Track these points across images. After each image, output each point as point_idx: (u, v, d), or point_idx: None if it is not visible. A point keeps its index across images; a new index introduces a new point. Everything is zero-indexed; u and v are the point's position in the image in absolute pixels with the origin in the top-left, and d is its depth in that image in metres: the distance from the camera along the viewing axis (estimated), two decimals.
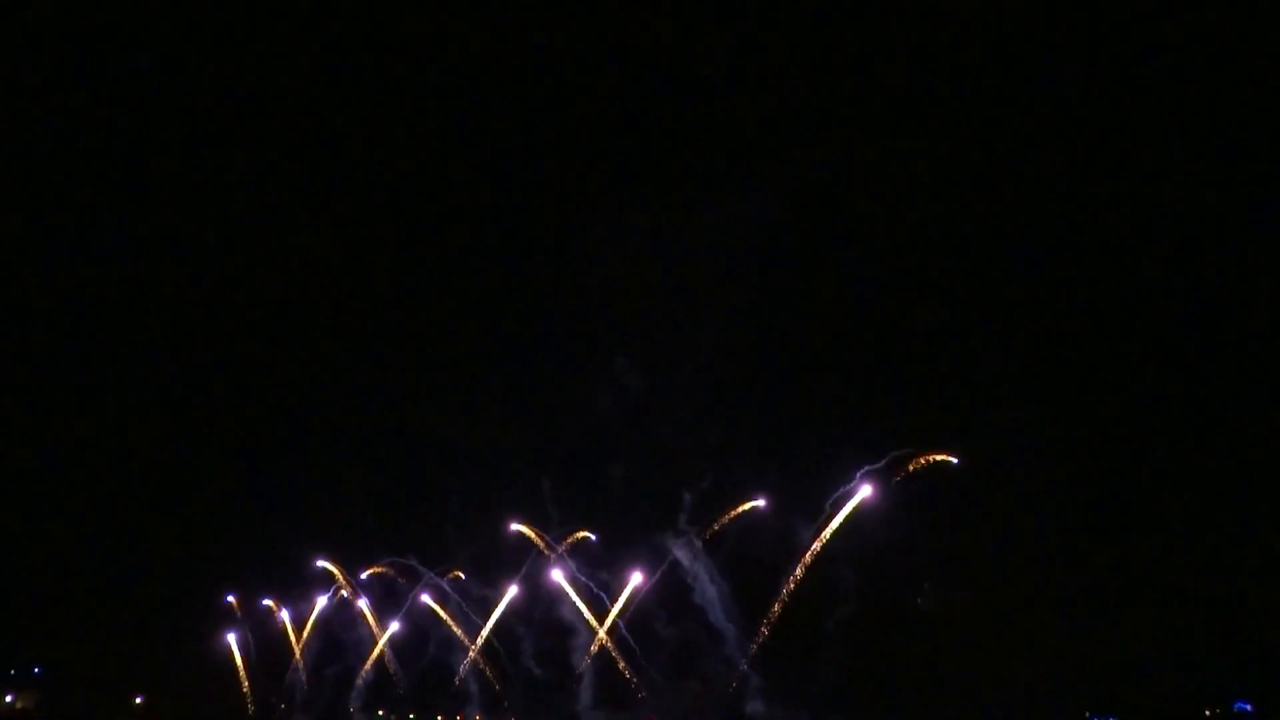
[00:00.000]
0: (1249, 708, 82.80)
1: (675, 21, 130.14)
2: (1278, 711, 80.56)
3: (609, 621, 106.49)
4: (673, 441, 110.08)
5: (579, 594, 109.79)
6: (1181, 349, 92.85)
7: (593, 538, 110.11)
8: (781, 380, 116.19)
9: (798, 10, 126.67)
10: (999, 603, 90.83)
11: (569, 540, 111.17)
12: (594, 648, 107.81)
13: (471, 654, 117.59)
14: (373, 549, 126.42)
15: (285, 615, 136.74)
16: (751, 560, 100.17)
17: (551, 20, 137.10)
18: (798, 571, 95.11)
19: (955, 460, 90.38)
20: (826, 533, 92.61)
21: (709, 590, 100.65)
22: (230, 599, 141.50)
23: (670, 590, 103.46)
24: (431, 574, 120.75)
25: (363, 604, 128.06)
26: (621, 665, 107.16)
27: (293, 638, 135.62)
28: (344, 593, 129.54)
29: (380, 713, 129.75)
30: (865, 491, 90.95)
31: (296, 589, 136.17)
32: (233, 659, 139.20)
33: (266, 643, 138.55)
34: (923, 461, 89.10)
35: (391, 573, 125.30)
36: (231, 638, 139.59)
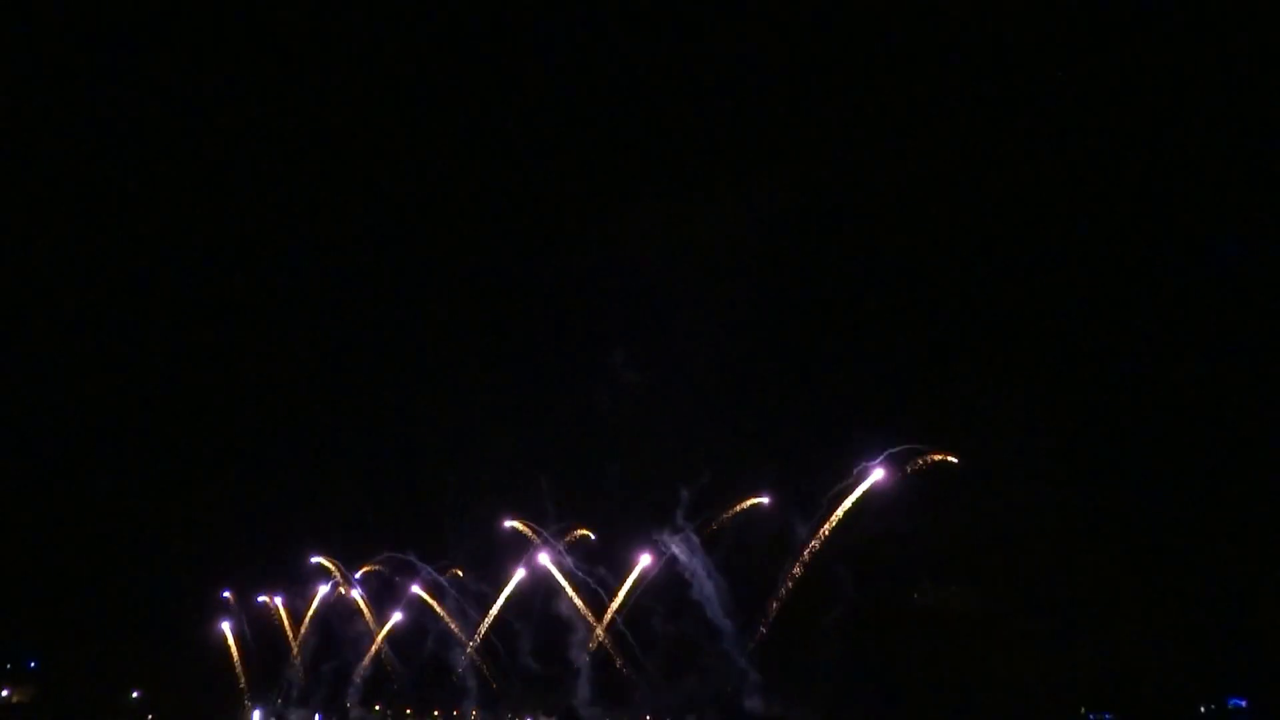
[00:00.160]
0: (1243, 704, 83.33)
1: (676, 19, 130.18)
2: (1272, 707, 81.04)
3: (608, 616, 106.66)
4: (670, 438, 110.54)
5: (576, 589, 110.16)
6: (1176, 348, 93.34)
7: (592, 536, 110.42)
8: (779, 377, 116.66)
9: (799, 7, 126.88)
10: (996, 599, 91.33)
11: (569, 538, 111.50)
12: (592, 645, 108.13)
13: (469, 650, 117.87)
14: (370, 545, 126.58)
15: (280, 603, 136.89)
16: (749, 557, 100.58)
17: (550, 19, 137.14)
18: (796, 569, 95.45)
19: (953, 458, 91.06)
20: (825, 529, 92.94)
21: (707, 586, 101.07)
22: (226, 594, 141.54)
23: (668, 586, 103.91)
24: (430, 569, 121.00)
25: (357, 594, 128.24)
26: (619, 664, 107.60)
27: (290, 633, 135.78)
28: (342, 589, 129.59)
29: (377, 708, 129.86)
30: (864, 487, 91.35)
31: (294, 585, 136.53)
32: (229, 652, 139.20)
33: (264, 638, 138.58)
34: (920, 462, 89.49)
35: (387, 570, 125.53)
36: (226, 626, 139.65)
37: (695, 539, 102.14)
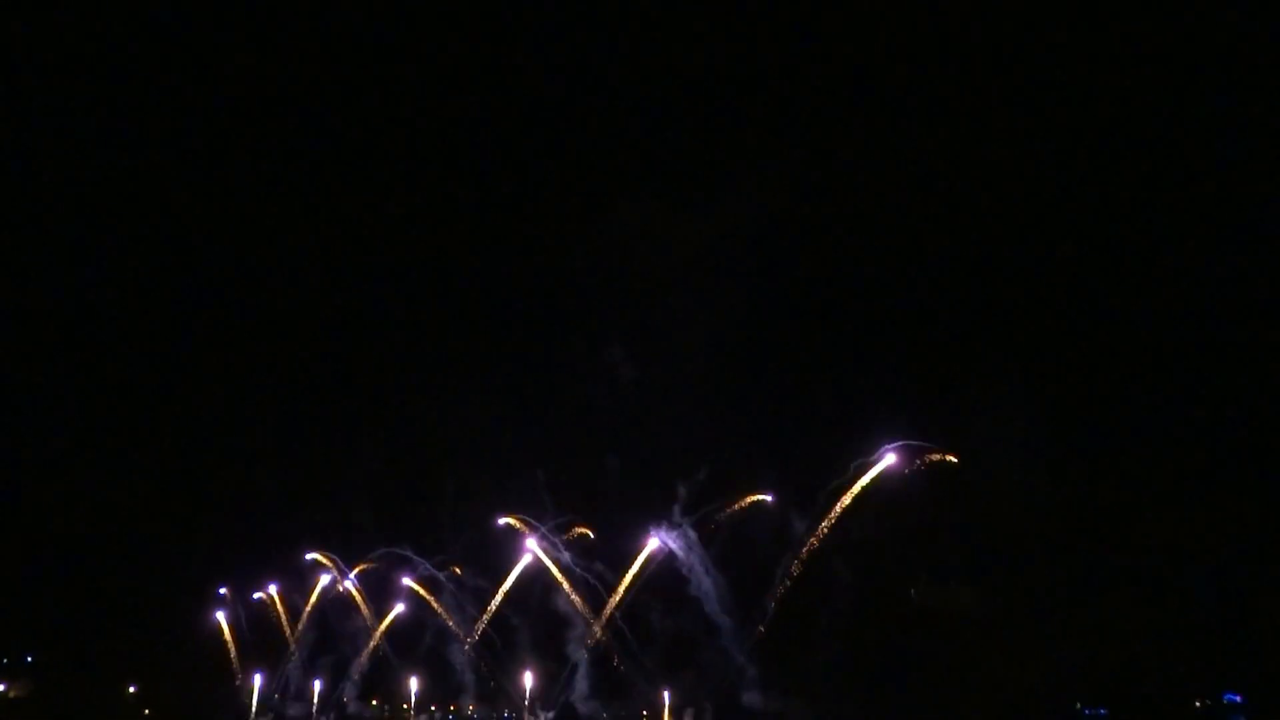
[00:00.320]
0: (1238, 699, 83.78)
1: (676, 14, 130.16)
2: (1267, 702, 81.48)
3: (615, 601, 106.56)
4: (668, 434, 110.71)
5: (574, 586, 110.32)
6: (1172, 345, 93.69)
7: (590, 535, 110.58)
8: (776, 374, 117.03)
9: (799, 4, 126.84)
10: (993, 596, 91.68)
11: (568, 535, 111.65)
12: (590, 641, 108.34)
13: (467, 645, 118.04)
14: (368, 542, 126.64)
15: (275, 591, 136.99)
16: (747, 552, 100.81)
17: (549, 16, 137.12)
18: (794, 565, 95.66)
19: (950, 455, 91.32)
20: (824, 525, 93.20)
21: (705, 583, 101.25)
22: (223, 591, 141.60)
23: (667, 582, 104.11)
24: (427, 564, 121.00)
25: (349, 584, 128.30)
26: (616, 662, 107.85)
27: (287, 627, 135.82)
28: (340, 587, 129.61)
29: (374, 702, 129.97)
30: (874, 473, 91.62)
31: (291, 581, 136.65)
32: (225, 647, 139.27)
33: (261, 634, 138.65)
34: (919, 462, 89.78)
35: (384, 566, 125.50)
36: (222, 618, 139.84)
37: (693, 534, 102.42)
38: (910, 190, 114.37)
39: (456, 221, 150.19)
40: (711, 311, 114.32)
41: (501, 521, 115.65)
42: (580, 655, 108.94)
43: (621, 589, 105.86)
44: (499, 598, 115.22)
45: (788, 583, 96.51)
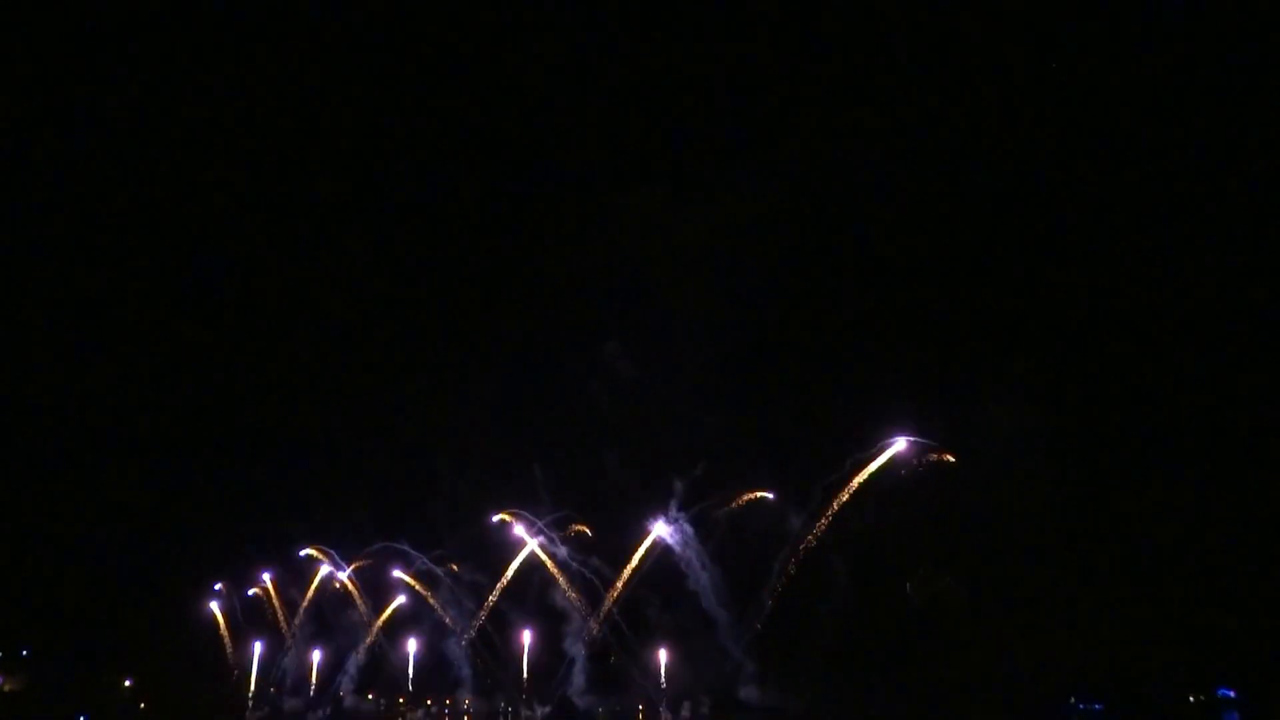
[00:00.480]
0: (1232, 694, 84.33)
1: (674, 8, 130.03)
2: (1260, 697, 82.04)
3: (618, 588, 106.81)
4: (665, 430, 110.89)
5: (571, 581, 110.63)
6: (1167, 342, 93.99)
7: (589, 533, 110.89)
8: (773, 369, 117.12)
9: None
10: (989, 591, 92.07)
11: (567, 532, 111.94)
12: (587, 636, 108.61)
13: (464, 639, 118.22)
14: (364, 537, 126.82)
15: (269, 579, 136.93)
16: (744, 547, 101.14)
17: (546, 10, 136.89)
18: (792, 560, 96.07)
19: (947, 451, 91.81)
20: (824, 520, 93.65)
21: (702, 577, 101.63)
22: (219, 587, 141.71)
23: (664, 577, 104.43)
24: (424, 558, 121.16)
25: (344, 576, 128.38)
26: (612, 659, 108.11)
27: (283, 621, 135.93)
28: (337, 583, 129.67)
29: (370, 696, 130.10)
30: (883, 460, 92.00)
31: (286, 576, 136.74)
32: (221, 641, 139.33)
33: (257, 628, 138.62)
34: (917, 463, 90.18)
35: (380, 560, 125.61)
36: (217, 610, 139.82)
37: (690, 530, 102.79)
38: (908, 186, 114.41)
39: (453, 216, 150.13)
40: (709, 307, 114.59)
41: (496, 518, 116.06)
42: (577, 649, 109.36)
43: (623, 579, 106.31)
44: (496, 593, 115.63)
45: (785, 578, 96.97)
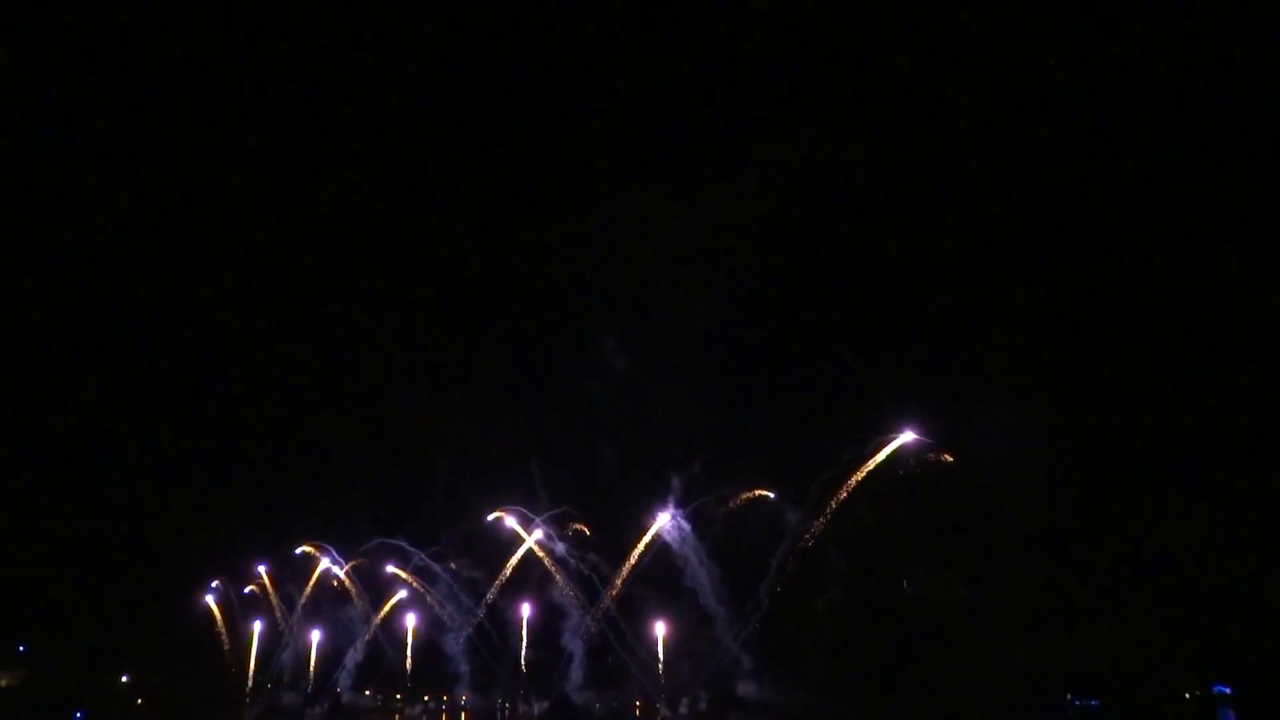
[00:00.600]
0: (1227, 690, 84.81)
1: (673, 7, 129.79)
2: (1256, 694, 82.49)
3: (622, 576, 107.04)
4: (662, 426, 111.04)
5: (569, 576, 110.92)
6: (1166, 342, 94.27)
7: (587, 531, 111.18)
8: (770, 364, 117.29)
9: None
10: (985, 587, 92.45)
11: (566, 530, 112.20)
12: (585, 632, 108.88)
13: (462, 636, 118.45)
14: (361, 534, 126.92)
15: (264, 572, 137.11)
16: (742, 544, 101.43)
17: (542, 8, 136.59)
18: (790, 556, 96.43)
19: (943, 447, 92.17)
20: (823, 516, 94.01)
21: (699, 573, 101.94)
22: (216, 584, 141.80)
23: (661, 573, 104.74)
24: (421, 554, 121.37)
25: (342, 572, 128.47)
26: (609, 658, 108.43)
27: (279, 613, 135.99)
28: (335, 582, 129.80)
29: (368, 692, 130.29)
30: (892, 448, 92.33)
31: (283, 572, 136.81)
32: (218, 638, 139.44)
33: (253, 621, 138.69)
34: (915, 465, 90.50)
35: (376, 558, 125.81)
36: (214, 607, 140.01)
37: (688, 526, 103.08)
38: (908, 182, 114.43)
39: (449, 212, 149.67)
40: (706, 302, 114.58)
41: (492, 517, 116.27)
42: (575, 645, 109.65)
43: (622, 576, 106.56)
44: (495, 589, 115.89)
45: (783, 575, 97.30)
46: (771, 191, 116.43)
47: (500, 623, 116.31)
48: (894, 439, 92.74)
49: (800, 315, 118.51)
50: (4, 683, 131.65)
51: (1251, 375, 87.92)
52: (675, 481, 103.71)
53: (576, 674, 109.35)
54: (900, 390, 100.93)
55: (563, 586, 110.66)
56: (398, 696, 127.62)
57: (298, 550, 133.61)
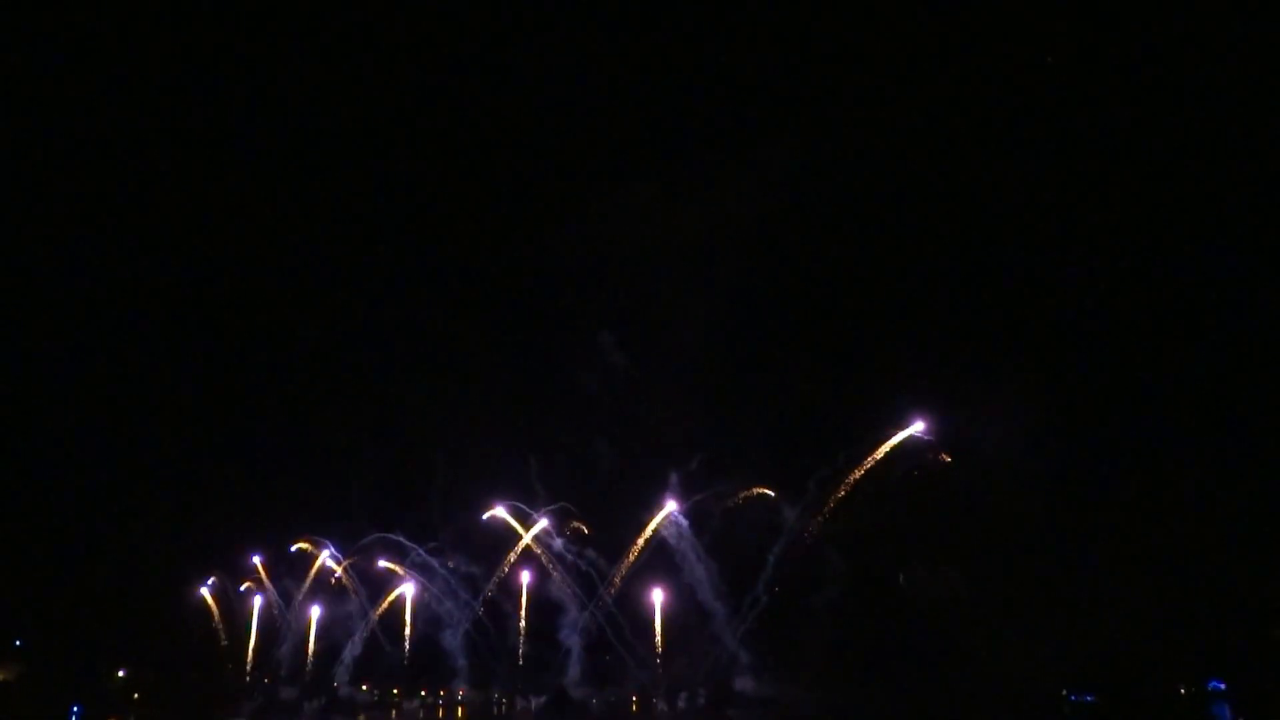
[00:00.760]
0: (1222, 686, 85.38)
1: (672, 5, 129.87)
2: (1250, 690, 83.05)
3: (623, 569, 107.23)
4: (660, 422, 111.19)
5: (566, 572, 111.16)
6: (1165, 341, 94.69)
7: (586, 530, 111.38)
8: (768, 361, 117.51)
9: None
10: (982, 583, 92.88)
11: (564, 528, 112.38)
12: (582, 628, 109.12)
13: (460, 631, 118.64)
14: (359, 530, 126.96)
15: (261, 566, 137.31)
16: (739, 540, 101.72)
17: (544, 7, 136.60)
18: (788, 552, 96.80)
19: (942, 445, 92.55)
20: (822, 513, 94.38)
21: (697, 569, 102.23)
22: (212, 581, 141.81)
23: (659, 569, 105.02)
24: (420, 550, 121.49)
25: (339, 568, 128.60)
26: (607, 656, 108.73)
27: (277, 612, 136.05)
28: (333, 580, 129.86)
29: (365, 687, 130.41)
30: (903, 436, 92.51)
31: (280, 568, 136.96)
32: (215, 633, 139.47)
33: (250, 616, 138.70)
34: (915, 470, 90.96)
35: (374, 554, 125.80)
36: (211, 605, 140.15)
37: (685, 523, 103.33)
38: (907, 181, 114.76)
39: (447, 208, 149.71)
40: (705, 298, 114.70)
41: (487, 515, 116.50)
42: (573, 640, 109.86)
43: (620, 571, 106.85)
44: (492, 584, 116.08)
45: (781, 571, 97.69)
46: (770, 188, 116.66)
47: (498, 618, 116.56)
48: (892, 436, 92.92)
49: (799, 313, 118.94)
50: (1, 678, 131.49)
51: (1249, 374, 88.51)
52: (674, 478, 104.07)
53: (574, 669, 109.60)
54: (899, 387, 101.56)
55: (560, 582, 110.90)
56: (395, 691, 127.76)
57: (295, 546, 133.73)
